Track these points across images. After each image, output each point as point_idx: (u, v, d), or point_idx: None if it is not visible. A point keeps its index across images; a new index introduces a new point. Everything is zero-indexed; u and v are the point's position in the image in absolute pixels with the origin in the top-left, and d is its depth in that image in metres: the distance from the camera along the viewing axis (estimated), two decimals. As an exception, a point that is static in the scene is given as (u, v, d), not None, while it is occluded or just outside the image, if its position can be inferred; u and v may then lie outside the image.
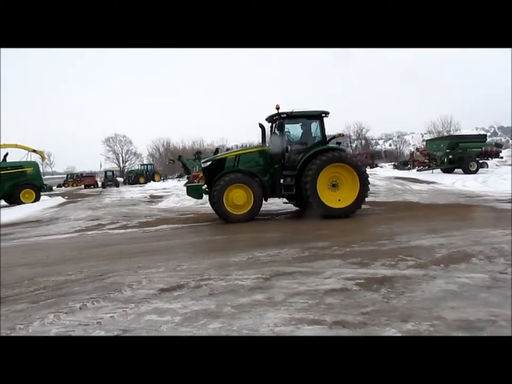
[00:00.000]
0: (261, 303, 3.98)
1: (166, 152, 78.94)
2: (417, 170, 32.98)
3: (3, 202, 22.93)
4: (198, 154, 42.40)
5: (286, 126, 10.70)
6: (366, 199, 10.47)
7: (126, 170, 70.95)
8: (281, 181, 10.46)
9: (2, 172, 21.91)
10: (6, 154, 23.61)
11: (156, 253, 6.88)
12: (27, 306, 4.40)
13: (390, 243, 6.44)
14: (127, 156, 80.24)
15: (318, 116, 10.75)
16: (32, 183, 22.60)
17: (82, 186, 51.43)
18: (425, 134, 73.59)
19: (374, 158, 52.45)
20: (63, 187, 53.50)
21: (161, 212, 14.45)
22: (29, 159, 24.15)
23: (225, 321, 3.57)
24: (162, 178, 49.73)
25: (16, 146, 24.10)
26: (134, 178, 48.46)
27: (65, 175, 65.30)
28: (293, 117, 10.67)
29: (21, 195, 21.95)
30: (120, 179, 53.99)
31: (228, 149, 50.86)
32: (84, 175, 59.96)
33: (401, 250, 5.89)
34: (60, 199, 23.62)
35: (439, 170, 28.61)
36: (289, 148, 10.74)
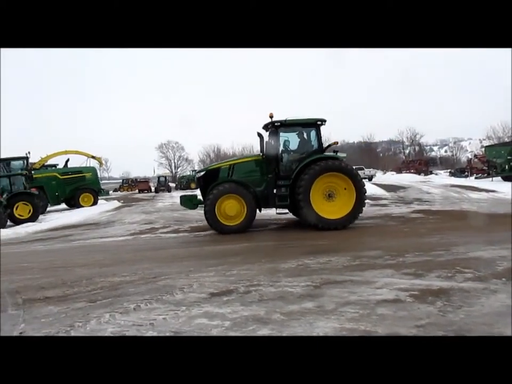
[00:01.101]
0: (311, 311, 3.93)
1: (217, 158, 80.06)
2: (475, 178, 31.48)
3: (64, 206, 24.21)
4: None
5: (282, 134, 10.43)
6: (420, 207, 10.07)
7: (178, 175, 72.68)
8: (275, 191, 10.18)
9: (64, 177, 23.17)
10: (67, 160, 24.96)
11: (206, 258, 7.00)
12: (85, 305, 4.61)
13: (446, 254, 6.17)
14: (179, 161, 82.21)
15: (314, 124, 10.42)
16: (91, 188, 23.72)
17: (137, 191, 53.25)
18: (484, 139, 70.04)
19: (429, 165, 50.68)
20: (119, 191, 55.67)
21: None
22: (88, 165, 25.35)
23: (275, 328, 3.55)
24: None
25: (76, 152, 25.39)
26: (186, 183, 49.51)
27: (120, 180, 67.94)
28: (287, 125, 10.36)
29: (80, 199, 23.09)
30: (172, 184, 55.42)
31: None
32: (138, 180, 62.09)
33: (458, 261, 5.62)
34: (116, 203, 24.59)
35: (499, 178, 27.13)
36: (284, 157, 10.49)
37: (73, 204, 23.23)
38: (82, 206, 22.73)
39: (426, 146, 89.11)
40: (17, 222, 17.32)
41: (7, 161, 22.97)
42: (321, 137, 10.47)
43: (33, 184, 20.93)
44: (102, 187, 26.86)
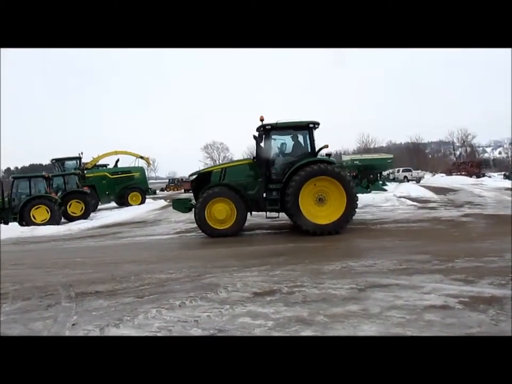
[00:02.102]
0: (355, 314, 3.87)
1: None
2: (533, 181, 29.85)
3: (113, 204, 25.12)
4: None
5: (273, 137, 10.28)
6: (471, 211, 9.62)
7: (222, 176, 73.54)
8: (264, 195, 10.05)
9: (114, 176, 24.05)
10: (117, 161, 25.87)
11: (250, 257, 7.04)
12: (133, 300, 4.76)
13: (499, 260, 5.88)
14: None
15: (306, 127, 10.21)
16: (139, 187, 24.47)
17: (182, 190, 54.34)
18: (543, 141, 66.30)
19: (481, 166, 48.47)
20: (165, 191, 57.06)
21: (255, 217, 14.67)
22: (136, 165, 26.15)
23: (318, 330, 3.53)
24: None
25: (126, 153, 26.26)
26: (230, 183, 49.93)
27: (167, 180, 69.60)
28: (278, 128, 10.19)
29: (129, 197, 23.90)
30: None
31: (327, 155, 50.41)
32: (184, 180, 63.34)
33: (512, 268, 5.35)
34: (163, 202, 25.21)
35: (559, 181, 25.58)
36: (275, 160, 10.32)
37: (122, 202, 24.07)
38: (131, 205, 23.51)
39: (479, 147, 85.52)
40: (70, 219, 18.17)
41: (62, 161, 24.13)
42: (314, 140, 10.24)
43: (85, 183, 21.86)
44: (150, 186, 27.65)
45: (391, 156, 27.58)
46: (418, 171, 46.30)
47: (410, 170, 43.83)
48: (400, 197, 17.24)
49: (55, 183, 19.51)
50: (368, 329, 3.46)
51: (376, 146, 71.67)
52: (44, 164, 58.38)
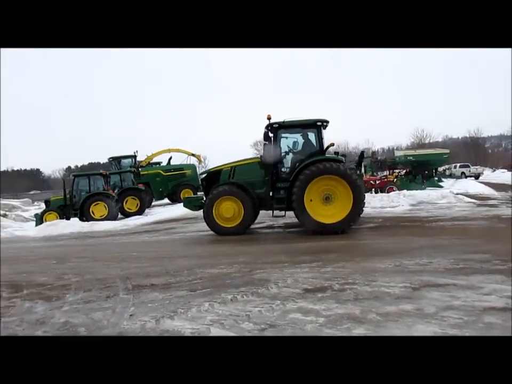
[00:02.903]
0: (409, 313, 3.77)
1: (311, 155, 79.85)
2: None
3: (167, 200, 25.85)
4: (342, 157, 42.05)
5: (281, 136, 10.19)
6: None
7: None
8: (271, 193, 10.05)
9: (167, 174, 24.74)
10: (170, 158, 26.58)
11: (300, 254, 7.03)
12: (186, 294, 4.90)
13: None
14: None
15: (313, 125, 10.03)
16: (191, 184, 25.02)
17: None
18: None
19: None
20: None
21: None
22: (188, 162, 26.76)
23: (370, 328, 3.47)
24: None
25: (178, 150, 26.92)
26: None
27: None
28: (285, 126, 10.11)
29: (181, 194, 24.49)
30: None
31: (373, 152, 49.27)
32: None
33: None
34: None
35: None
36: (283, 159, 10.24)
37: (175, 199, 24.71)
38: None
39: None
40: (126, 214, 18.92)
41: (118, 159, 25.13)
42: (322, 138, 10.08)
43: (140, 180, 22.65)
44: (201, 183, 28.07)
45: (447, 151, 26.52)
46: (477, 167, 44.23)
47: (468, 166, 41.90)
48: (457, 194, 16.51)
49: (112, 181, 20.36)
50: (424, 329, 3.36)
51: (431, 141, 69.04)
52: (101, 162, 61.02)
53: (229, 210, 10.09)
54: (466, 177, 37.65)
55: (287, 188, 9.74)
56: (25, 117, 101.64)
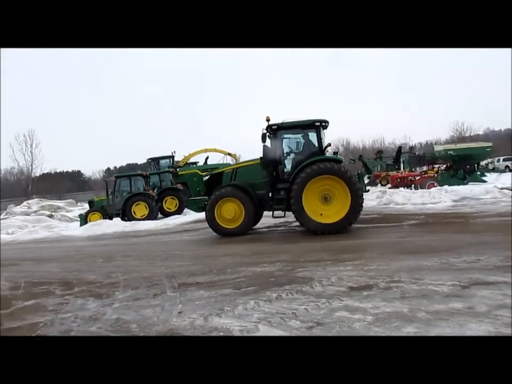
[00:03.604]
0: (459, 312, 3.69)
1: (346, 151, 78.86)
2: None
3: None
4: (379, 153, 41.35)
5: (280, 137, 10.25)
6: None
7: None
8: (270, 194, 10.15)
9: (204, 173, 25.01)
10: (207, 158, 26.88)
11: (342, 252, 6.99)
12: (231, 292, 4.98)
13: None
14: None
15: (312, 125, 10.02)
16: (227, 183, 25.17)
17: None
18: None
19: None
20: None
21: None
22: (224, 162, 26.97)
23: (420, 327, 3.43)
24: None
25: (214, 150, 27.17)
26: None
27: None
28: (284, 127, 10.14)
29: (218, 193, 24.71)
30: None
31: (411, 148, 48.17)
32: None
33: None
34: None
35: None
36: (283, 159, 10.29)
37: (212, 198, 24.95)
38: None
39: None
40: (166, 214, 19.31)
41: (157, 160, 25.65)
42: (321, 138, 10.06)
43: (178, 180, 23.01)
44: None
45: (490, 144, 25.53)
46: (522, 160, 42.37)
47: (512, 160, 40.26)
48: (502, 189, 15.91)
49: (151, 181, 20.82)
50: (477, 328, 3.29)
51: (472, 134, 66.66)
52: (139, 163, 62.45)
53: (230, 211, 10.29)
54: (510, 170, 36.18)
55: (287, 188, 9.85)
56: (65, 120, 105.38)
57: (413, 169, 31.35)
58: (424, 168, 27.36)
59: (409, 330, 3.38)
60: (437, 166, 26.26)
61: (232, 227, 10.32)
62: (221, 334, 3.64)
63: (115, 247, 10.52)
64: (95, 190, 54.45)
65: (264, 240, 9.38)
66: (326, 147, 10.26)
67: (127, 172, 25.65)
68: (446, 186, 16.97)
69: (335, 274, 5.35)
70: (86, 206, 25.39)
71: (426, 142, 75.02)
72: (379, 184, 28.90)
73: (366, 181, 35.16)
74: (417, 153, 40.61)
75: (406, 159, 35.50)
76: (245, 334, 3.58)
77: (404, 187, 20.53)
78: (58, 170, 66.89)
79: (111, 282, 6.05)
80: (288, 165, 10.35)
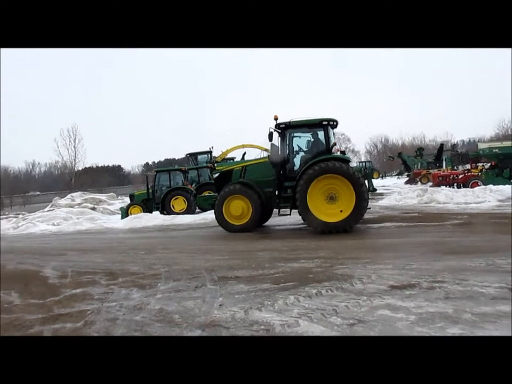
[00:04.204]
0: (507, 315, 3.58)
1: (384, 149, 77.39)
2: None
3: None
4: (419, 150, 40.36)
5: (289, 136, 10.35)
6: None
7: (344, 167, 72.37)
8: (276, 192, 10.27)
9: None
10: (244, 153, 27.03)
11: (382, 250, 6.91)
12: (270, 286, 5.01)
13: None
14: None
15: (320, 125, 10.11)
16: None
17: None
18: None
19: None
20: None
21: (383, 209, 14.30)
22: (261, 156, 27.03)
23: (466, 328, 3.35)
24: (380, 175, 49.00)
25: (251, 146, 27.26)
26: (352, 175, 49.07)
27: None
28: (292, 126, 10.26)
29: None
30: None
31: (453, 145, 46.67)
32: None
33: None
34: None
35: None
36: (290, 158, 10.38)
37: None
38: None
39: None
40: (203, 208, 19.57)
41: (195, 155, 26.02)
42: (328, 138, 10.13)
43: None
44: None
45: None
46: None
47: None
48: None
49: (190, 176, 21.16)
50: (527, 332, 3.19)
51: (518, 131, 63.81)
52: (176, 158, 63.54)
53: (238, 208, 10.51)
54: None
55: (293, 186, 9.91)
56: (107, 116, 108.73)
57: (455, 167, 30.40)
58: (468, 166, 26.46)
59: (454, 331, 3.31)
60: (481, 164, 25.35)
61: (239, 224, 10.57)
62: (262, 327, 3.69)
63: (155, 240, 10.78)
64: (135, 184, 55.90)
65: (301, 236, 9.36)
66: (331, 146, 10.31)
67: (167, 167, 26.15)
68: (490, 186, 16.39)
69: (375, 272, 5.29)
70: (126, 200, 26.19)
71: (469, 140, 72.64)
72: (419, 183, 28.19)
73: (405, 179, 34.47)
74: (459, 151, 39.36)
75: (448, 157, 34.50)
76: (286, 329, 3.61)
77: (446, 186, 19.93)
78: (99, 165, 69.03)
79: (153, 273, 6.21)
80: (296, 164, 10.47)
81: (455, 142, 60.46)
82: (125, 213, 17.98)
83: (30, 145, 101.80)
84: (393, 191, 21.82)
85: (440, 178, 21.85)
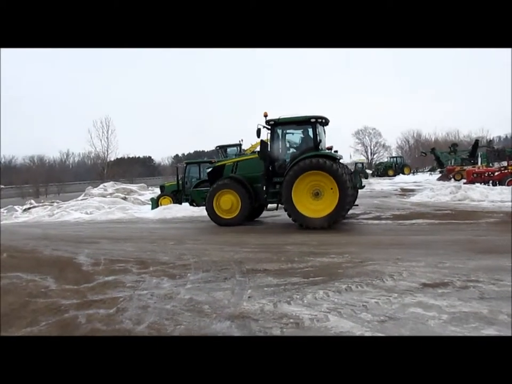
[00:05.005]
0: (546, 317, 3.46)
1: (417, 144, 75.66)
2: None
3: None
4: (453, 146, 39.34)
5: (278, 132, 10.60)
6: None
7: (374, 162, 71.35)
8: (264, 188, 10.50)
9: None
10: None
11: (413, 247, 6.77)
12: (300, 280, 5.00)
13: None
14: (376, 148, 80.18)
15: (308, 121, 10.32)
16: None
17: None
18: None
19: None
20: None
21: (415, 205, 14.03)
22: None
23: (501, 330, 3.25)
24: (412, 171, 48.01)
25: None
26: (383, 170, 48.41)
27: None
28: (280, 123, 10.48)
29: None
30: (368, 171, 54.66)
31: (489, 141, 45.27)
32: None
33: None
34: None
35: None
36: (279, 155, 10.59)
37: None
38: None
39: None
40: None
41: (225, 147, 26.12)
42: (316, 135, 10.27)
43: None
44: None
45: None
46: None
47: None
48: None
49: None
50: None
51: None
52: (205, 151, 63.98)
53: (227, 202, 10.87)
54: None
55: (281, 182, 10.15)
56: (138, 109, 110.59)
57: (491, 164, 29.45)
58: (504, 163, 25.58)
59: (489, 332, 3.23)
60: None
61: (229, 217, 10.90)
62: (291, 320, 3.69)
63: (185, 231, 10.93)
64: (164, 176, 56.69)
65: (330, 231, 9.28)
66: (329, 148, 10.74)
67: (196, 159, 26.40)
68: (529, 184, 15.82)
69: (407, 269, 5.20)
70: (157, 190, 26.58)
71: (506, 136, 70.15)
72: (452, 179, 27.48)
73: (438, 175, 33.67)
74: (496, 147, 38.12)
75: (483, 153, 33.45)
76: (315, 323, 3.60)
77: (481, 183, 19.34)
78: (130, 156, 70.24)
79: (182, 264, 6.29)
80: (285, 160, 10.64)
81: (491, 138, 58.59)
82: (155, 203, 18.26)
83: (64, 135, 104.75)
84: (425, 188, 21.37)
85: (475, 175, 21.19)
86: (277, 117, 10.53)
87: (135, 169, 60.82)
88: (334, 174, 9.47)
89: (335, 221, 9.55)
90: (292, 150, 10.89)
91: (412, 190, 21.74)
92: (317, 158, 9.68)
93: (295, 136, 11.06)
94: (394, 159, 52.21)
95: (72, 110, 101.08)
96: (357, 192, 11.29)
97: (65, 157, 75.41)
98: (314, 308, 3.98)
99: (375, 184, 30.39)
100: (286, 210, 10.02)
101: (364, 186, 13.55)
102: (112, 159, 51.25)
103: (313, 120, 10.33)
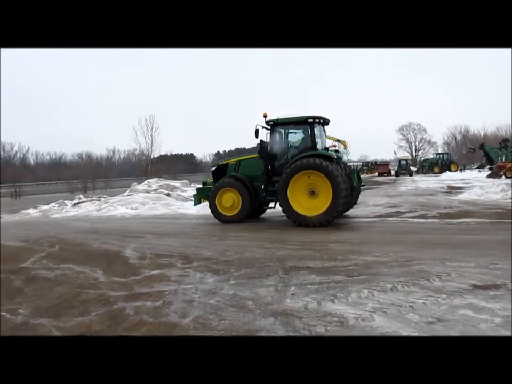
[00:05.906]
0: None
1: (464, 140, 72.94)
2: None
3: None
4: (504, 142, 37.62)
5: (277, 132, 10.95)
6: None
7: (419, 159, 69.39)
8: (263, 186, 10.80)
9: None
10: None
11: (462, 247, 6.54)
12: (343, 279, 4.95)
13: None
14: (421, 144, 77.96)
15: (305, 122, 10.54)
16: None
17: (376, 174, 53.14)
18: None
19: None
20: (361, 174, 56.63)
21: (462, 204, 13.54)
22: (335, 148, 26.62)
23: (560, 336, 3.10)
24: (459, 168, 46.28)
25: (326, 137, 26.98)
26: (428, 167, 47.02)
27: (359, 163, 68.59)
28: (279, 123, 10.79)
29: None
30: (413, 168, 53.20)
31: (325, 149, 42.88)
32: (378, 163, 61.75)
33: None
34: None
35: None
36: (278, 154, 10.90)
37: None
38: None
39: None
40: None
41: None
42: (314, 135, 10.50)
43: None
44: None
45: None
46: None
47: None
48: None
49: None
50: None
51: None
52: (246, 148, 64.28)
53: (229, 200, 11.21)
54: None
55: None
56: (181, 107, 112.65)
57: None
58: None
59: (546, 338, 3.08)
60: None
61: (230, 215, 11.23)
62: (335, 319, 3.66)
63: (227, 227, 11.01)
64: (206, 172, 57.46)
65: (374, 230, 9.12)
66: (328, 148, 11.11)
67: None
68: None
69: (455, 270, 5.03)
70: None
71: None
72: (503, 176, 26.29)
73: (487, 172, 32.28)
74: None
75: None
76: (360, 322, 3.55)
77: (535, 181, 18.40)
78: (173, 153, 71.65)
79: (225, 260, 6.36)
80: (284, 159, 10.87)
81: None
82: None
83: (111, 133, 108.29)
84: (474, 185, 20.55)
85: (528, 172, 20.19)
86: (276, 117, 10.81)
87: (177, 166, 62.13)
88: (329, 173, 9.68)
89: (328, 220, 9.71)
90: (291, 149, 11.16)
91: (460, 188, 20.97)
92: (313, 158, 9.95)
93: (293, 135, 11.38)
94: (441, 155, 50.51)
95: (118, 108, 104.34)
96: (358, 192, 11.50)
97: (111, 153, 78.17)
98: (359, 307, 3.93)
99: (419, 182, 29.60)
100: (281, 206, 10.33)
101: (364, 185, 13.74)
102: (155, 156, 52.49)
103: (310, 120, 10.58)
